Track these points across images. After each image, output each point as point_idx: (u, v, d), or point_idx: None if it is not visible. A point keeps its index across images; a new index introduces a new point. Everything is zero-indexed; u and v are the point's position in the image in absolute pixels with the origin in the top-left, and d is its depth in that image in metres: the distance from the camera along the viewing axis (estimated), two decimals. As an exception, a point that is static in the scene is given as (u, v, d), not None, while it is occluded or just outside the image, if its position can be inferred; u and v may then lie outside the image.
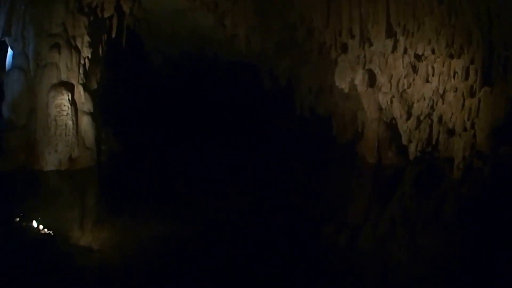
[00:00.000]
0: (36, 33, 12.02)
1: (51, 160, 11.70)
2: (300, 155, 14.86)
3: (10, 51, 12.51)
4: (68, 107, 11.74)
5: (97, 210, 10.02)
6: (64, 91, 11.67)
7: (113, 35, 13.47)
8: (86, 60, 12.56)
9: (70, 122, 11.71)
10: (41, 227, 7.80)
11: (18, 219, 8.07)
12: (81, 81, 12.35)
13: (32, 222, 7.96)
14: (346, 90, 13.86)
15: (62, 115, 11.60)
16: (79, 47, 12.35)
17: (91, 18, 12.57)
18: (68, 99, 11.76)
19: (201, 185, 11.56)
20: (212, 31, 15.81)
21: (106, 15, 12.93)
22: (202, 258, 7.03)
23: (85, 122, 12.19)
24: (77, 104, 12.16)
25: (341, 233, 8.31)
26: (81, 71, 12.38)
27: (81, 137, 12.15)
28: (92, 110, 12.52)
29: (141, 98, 18.16)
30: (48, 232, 7.59)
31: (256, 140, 16.91)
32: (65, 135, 11.71)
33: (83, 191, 11.30)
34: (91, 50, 12.60)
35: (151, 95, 19.09)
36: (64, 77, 11.97)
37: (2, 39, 12.24)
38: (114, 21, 13.30)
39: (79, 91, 12.25)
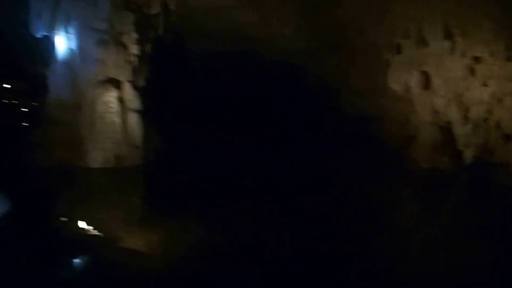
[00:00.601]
0: (81, 29, 12.02)
1: (97, 157, 11.63)
2: (348, 158, 14.34)
3: (55, 47, 12.49)
4: (116, 105, 11.57)
5: (143, 210, 9.78)
6: (111, 88, 11.59)
7: (160, 33, 13.30)
8: (134, 57, 12.36)
9: (117, 120, 11.58)
10: (86, 226, 7.55)
11: (62, 218, 7.80)
12: (129, 79, 12.19)
13: (76, 221, 7.70)
14: (400, 92, 13.29)
15: (109, 112, 11.51)
16: (127, 44, 12.16)
17: (138, 15, 12.43)
18: (116, 96, 11.58)
19: (247, 183, 11.25)
20: (256, 30, 15.44)
21: (152, 12, 12.80)
22: (255, 261, 6.67)
23: (133, 120, 12.05)
24: (125, 101, 11.93)
25: (391, 239, 7.87)
26: (129, 68, 12.22)
27: (128, 135, 11.95)
28: (139, 108, 12.33)
29: (185, 97, 17.98)
30: (93, 232, 7.32)
31: (300, 141, 16.47)
32: (112, 132, 11.53)
33: (129, 190, 10.96)
34: (139, 47, 12.42)
35: (194, 93, 18.88)
36: (111, 74, 11.83)
37: (47, 35, 12.27)
38: (161, 19, 13.17)
39: (127, 88, 12.13)
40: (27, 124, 14.23)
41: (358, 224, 8.75)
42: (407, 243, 7.97)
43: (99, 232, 7.48)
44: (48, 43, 12.73)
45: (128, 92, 12.04)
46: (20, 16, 12.71)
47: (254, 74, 19.65)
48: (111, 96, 11.40)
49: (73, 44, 12.05)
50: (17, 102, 17.78)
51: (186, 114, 17.17)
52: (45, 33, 12.33)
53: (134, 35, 12.25)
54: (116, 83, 11.70)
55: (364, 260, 6.99)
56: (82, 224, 7.59)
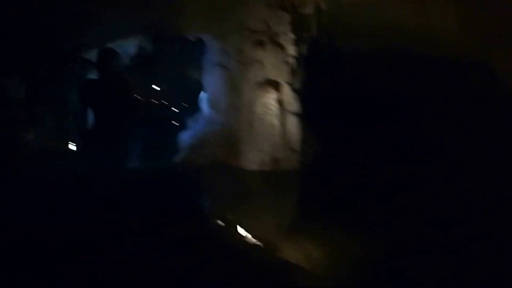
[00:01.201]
0: (236, 30, 11.80)
1: (254, 159, 11.32)
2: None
3: (207, 48, 12.51)
4: (275, 106, 11.18)
5: (299, 218, 9.24)
6: (270, 90, 11.22)
7: (313, 33, 12.74)
8: (291, 58, 11.92)
9: (276, 122, 11.21)
10: (244, 233, 7.11)
11: (221, 222, 7.45)
12: (287, 80, 11.76)
13: (234, 226, 7.29)
14: None
15: (268, 114, 11.13)
16: (284, 44, 11.74)
17: (294, 15, 11.97)
18: (275, 98, 11.20)
19: (413, 194, 10.19)
20: (410, 24, 14.08)
21: (306, 11, 12.26)
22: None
23: (291, 122, 11.58)
24: (283, 103, 11.51)
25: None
26: (286, 69, 11.79)
27: (286, 138, 11.50)
28: (298, 111, 11.83)
29: (339, 98, 17.03)
30: (252, 240, 6.84)
31: (469, 149, 14.64)
32: (271, 135, 11.14)
33: (285, 195, 10.58)
34: (296, 48, 11.95)
35: (348, 95, 17.82)
36: (269, 75, 11.46)
37: (199, 37, 12.30)
38: (313, 18, 12.59)
39: (286, 90, 11.70)
40: (177, 124, 14.39)
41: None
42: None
43: (257, 240, 6.97)
44: (201, 45, 12.81)
45: (287, 94, 11.61)
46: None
47: (411, 72, 18.05)
48: (270, 98, 11.03)
49: (228, 45, 11.85)
50: (165, 103, 18.31)
51: (342, 116, 16.25)
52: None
53: (291, 35, 11.80)
54: (274, 85, 11.30)
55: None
56: (241, 230, 7.12)
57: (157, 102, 17.99)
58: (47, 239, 5.65)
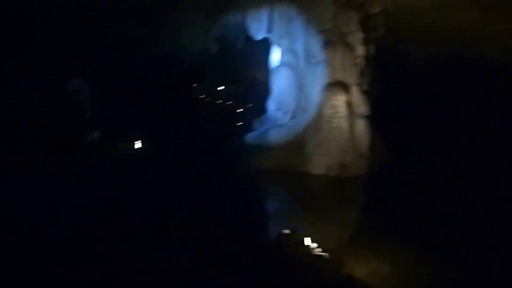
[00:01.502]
0: (305, 30, 11.58)
1: (321, 163, 10.99)
2: None
3: (274, 49, 12.31)
4: (344, 109, 10.77)
5: (365, 229, 8.36)
6: (340, 92, 10.82)
7: (380, 33, 12.26)
8: (360, 59, 11.53)
9: (345, 125, 10.81)
10: (310, 243, 6.75)
11: (285, 231, 7.10)
12: (356, 82, 11.32)
13: (299, 236, 6.93)
14: None
15: (337, 117, 10.78)
16: (353, 44, 11.31)
17: (362, 14, 11.59)
18: (344, 100, 10.80)
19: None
20: (477, 27, 13.15)
21: (373, 11, 11.85)
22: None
23: (360, 126, 11.14)
24: (352, 106, 11.07)
25: None
26: (355, 70, 11.36)
27: (354, 142, 11.07)
28: (367, 113, 11.35)
29: (406, 102, 16.25)
30: (317, 252, 6.49)
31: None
32: (339, 138, 10.78)
33: (351, 203, 9.93)
34: (365, 48, 11.56)
35: (415, 98, 16.95)
36: (338, 76, 11.06)
37: (266, 37, 12.01)
38: (380, 18, 12.10)
39: (355, 92, 11.27)
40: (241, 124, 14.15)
41: None
42: None
43: (322, 251, 6.59)
44: (267, 45, 12.64)
45: (356, 96, 11.18)
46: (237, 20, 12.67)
47: (478, 75, 16.88)
48: (339, 100, 10.64)
49: (296, 46, 11.50)
50: (232, 104, 18.10)
51: (409, 121, 15.53)
52: (264, 36, 12.03)
53: (360, 35, 11.41)
54: (343, 86, 10.86)
55: None
56: (306, 240, 6.76)
57: (223, 103, 17.85)
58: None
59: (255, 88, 14.22)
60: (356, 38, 11.27)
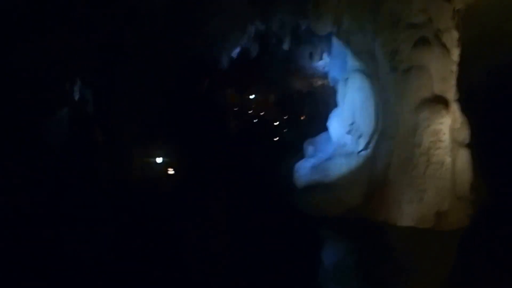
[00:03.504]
0: (387, 24, 8.27)
1: (410, 212, 7.76)
2: None
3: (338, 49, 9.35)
4: (447, 137, 7.46)
5: None
6: (443, 112, 7.49)
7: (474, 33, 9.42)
8: (455, 66, 8.35)
9: (448, 160, 7.49)
10: None
11: None
12: (455, 97, 8.06)
13: None
14: None
15: (440, 147, 7.50)
16: (449, 46, 8.06)
17: (453, 6, 8.46)
18: (448, 123, 7.52)
19: None
20: None
21: (458, 5, 8.63)
22: None
23: (462, 158, 7.86)
24: (453, 131, 7.84)
25: None
26: (453, 81, 8.06)
27: (457, 182, 7.80)
28: (468, 141, 8.11)
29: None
30: None
31: None
32: (439, 178, 7.43)
33: (453, 267, 6.95)
34: (459, 51, 8.41)
35: None
36: (437, 89, 7.77)
37: (330, 33, 8.81)
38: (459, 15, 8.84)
39: (455, 111, 7.97)
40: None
41: None
42: None
43: None
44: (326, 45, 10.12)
45: (457, 116, 7.83)
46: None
47: None
48: (443, 124, 7.39)
49: (374, 46, 8.19)
50: (264, 113, 15.75)
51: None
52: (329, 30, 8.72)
53: (455, 34, 8.31)
54: (444, 104, 7.50)
55: None
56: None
57: (253, 114, 15.50)
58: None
59: (307, 99, 11.10)
60: (451, 37, 8.06)
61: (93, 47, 9.48)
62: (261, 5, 9.89)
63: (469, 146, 8.32)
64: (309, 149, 9.55)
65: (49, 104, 9.62)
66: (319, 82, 14.55)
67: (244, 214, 8.65)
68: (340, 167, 8.37)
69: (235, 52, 11.59)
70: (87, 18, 8.99)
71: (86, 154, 10.24)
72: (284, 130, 14.48)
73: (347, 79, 8.68)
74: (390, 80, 8.07)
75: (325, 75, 12.05)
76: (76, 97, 10.30)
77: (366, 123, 8.46)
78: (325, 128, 9.33)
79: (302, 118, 15.23)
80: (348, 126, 8.69)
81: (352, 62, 8.73)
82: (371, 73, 8.37)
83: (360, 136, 8.48)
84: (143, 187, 10.07)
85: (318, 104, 13.37)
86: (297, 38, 11.10)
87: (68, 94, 10.07)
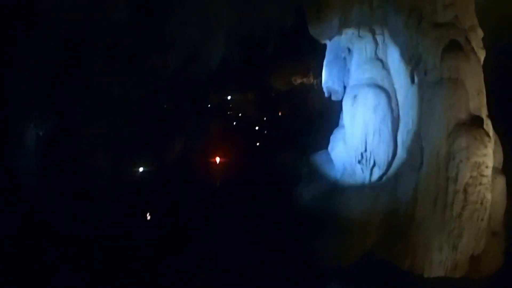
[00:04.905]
0: (406, 23, 6.81)
1: (440, 259, 6.27)
2: None
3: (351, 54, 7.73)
4: (489, 169, 5.94)
5: None
6: (486, 140, 5.93)
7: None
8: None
9: (489, 197, 6.02)
10: None
11: None
12: (487, 114, 6.58)
13: None
14: None
15: (481, 183, 5.92)
16: (476, 49, 6.81)
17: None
18: (489, 154, 6.00)
19: None
20: None
21: None
22: None
23: (497, 186, 6.51)
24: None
25: None
26: (484, 94, 6.54)
27: (495, 221, 6.38)
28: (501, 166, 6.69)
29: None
30: None
31: None
32: (477, 219, 5.91)
33: None
34: (484, 54, 7.09)
35: None
36: (473, 107, 6.21)
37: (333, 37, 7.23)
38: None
39: (491, 132, 6.48)
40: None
41: None
42: None
43: None
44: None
45: (492, 140, 6.36)
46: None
47: None
48: (486, 156, 5.80)
49: (389, 51, 7.04)
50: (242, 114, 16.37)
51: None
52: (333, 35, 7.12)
53: (480, 33, 7.03)
54: (480, 125, 5.95)
55: None
56: None
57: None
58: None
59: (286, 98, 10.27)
60: (477, 38, 6.71)
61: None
62: (245, 10, 9.05)
63: (504, 171, 6.83)
64: (303, 171, 7.89)
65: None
66: (298, 81, 13.86)
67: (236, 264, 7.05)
68: (349, 201, 6.75)
69: (215, 62, 10.03)
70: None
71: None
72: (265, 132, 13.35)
73: (355, 96, 6.93)
74: (412, 95, 6.42)
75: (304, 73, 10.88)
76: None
77: (382, 150, 6.82)
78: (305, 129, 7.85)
79: (279, 114, 14.45)
80: (359, 154, 7.02)
81: (360, 73, 7.00)
82: (387, 86, 6.67)
83: (372, 165, 6.86)
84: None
85: (297, 103, 12.52)
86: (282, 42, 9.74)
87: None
